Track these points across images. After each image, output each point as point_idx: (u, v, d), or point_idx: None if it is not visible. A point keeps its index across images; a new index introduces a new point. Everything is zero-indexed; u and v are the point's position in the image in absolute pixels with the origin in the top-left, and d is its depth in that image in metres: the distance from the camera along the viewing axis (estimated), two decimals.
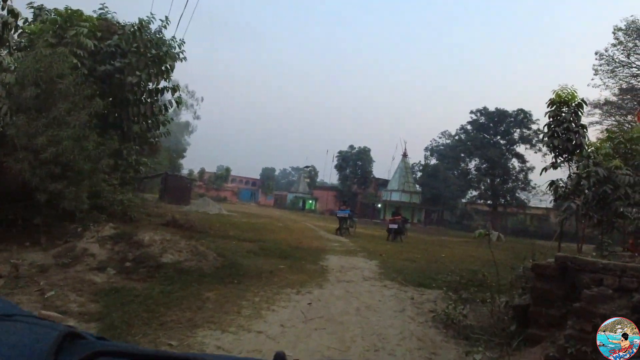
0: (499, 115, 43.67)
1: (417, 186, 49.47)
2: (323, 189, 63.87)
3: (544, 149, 44.11)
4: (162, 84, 17.17)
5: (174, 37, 19.11)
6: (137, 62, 14.38)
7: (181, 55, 19.61)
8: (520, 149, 43.94)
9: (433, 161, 58.96)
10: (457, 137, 45.80)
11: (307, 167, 60.81)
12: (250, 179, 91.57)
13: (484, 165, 44.43)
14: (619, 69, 34.81)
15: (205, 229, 16.40)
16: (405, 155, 48.01)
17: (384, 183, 55.49)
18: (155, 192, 40.93)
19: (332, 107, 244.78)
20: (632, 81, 35.29)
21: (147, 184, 44.26)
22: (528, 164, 43.60)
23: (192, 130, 64.56)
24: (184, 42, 19.93)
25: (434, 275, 10.16)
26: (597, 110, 46.72)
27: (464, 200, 60.15)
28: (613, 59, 34.89)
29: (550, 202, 57.24)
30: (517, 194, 44.00)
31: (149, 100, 16.11)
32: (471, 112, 45.09)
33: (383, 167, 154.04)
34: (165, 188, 38.19)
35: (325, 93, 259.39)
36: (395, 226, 21.62)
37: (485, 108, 44.49)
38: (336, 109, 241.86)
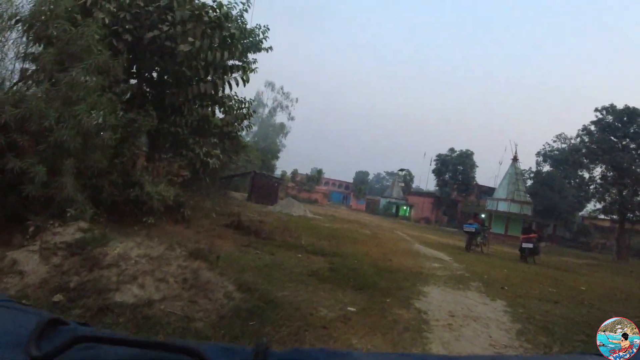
0: (630, 114, 35.87)
1: (528, 196, 42.97)
2: (418, 195, 58.83)
3: None
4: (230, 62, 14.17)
5: (258, 25, 16.58)
6: (194, 28, 11.46)
7: (265, 44, 16.91)
8: None
9: (546, 168, 51.75)
10: (578, 139, 38.56)
11: (401, 170, 56.12)
12: (343, 182, 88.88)
13: (611, 173, 36.89)
14: None
15: (272, 234, 13.32)
16: (515, 159, 41.52)
17: (487, 191, 49.30)
18: (246, 190, 39.36)
19: (433, 107, 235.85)
20: None
21: (238, 182, 42.97)
22: None
23: (287, 132, 63.03)
24: (268, 29, 17.24)
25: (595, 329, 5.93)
26: None
27: (581, 214, 52.07)
28: None
29: None
30: None
31: (210, 79, 13.18)
32: (596, 109, 37.60)
33: (487, 174, 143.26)
34: (253, 187, 36.25)
35: (426, 92, 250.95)
36: (531, 245, 18.45)
37: (612, 105, 36.90)
38: (437, 110, 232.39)
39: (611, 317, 4.56)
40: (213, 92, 13.22)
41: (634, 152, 35.88)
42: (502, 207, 39.66)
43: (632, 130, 36.21)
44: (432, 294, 7.86)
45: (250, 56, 16.52)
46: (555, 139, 55.14)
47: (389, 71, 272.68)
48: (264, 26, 16.83)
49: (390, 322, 5.41)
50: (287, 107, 62.35)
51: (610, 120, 36.84)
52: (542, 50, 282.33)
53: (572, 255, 28.93)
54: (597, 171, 37.98)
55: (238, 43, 13.69)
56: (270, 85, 62.05)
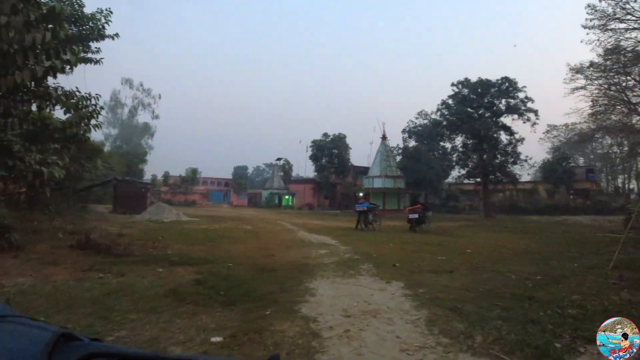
0: (483, 86, 38.88)
1: (399, 170, 44.64)
2: (299, 183, 58.40)
3: (533, 117, 40.40)
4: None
5: (99, 9, 14.11)
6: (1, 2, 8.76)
7: (107, 29, 14.49)
8: (507, 120, 39.28)
9: (412, 143, 54.43)
10: (439, 113, 40.78)
11: (278, 159, 54.87)
12: (223, 179, 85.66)
13: (471, 141, 39.69)
14: (612, 22, 30.12)
15: (130, 248, 11.12)
16: (384, 137, 42.84)
17: (363, 171, 50.47)
18: (109, 201, 35.18)
19: (304, 96, 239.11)
20: (626, 35, 30.69)
21: (101, 192, 38.29)
22: (517, 136, 38.93)
23: (153, 132, 58.25)
24: (111, 13, 14.74)
25: (508, 299, 5.78)
26: (579, 75, 43.00)
27: (447, 181, 55.84)
28: (604, 12, 30.24)
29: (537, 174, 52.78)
30: (507, 169, 39.41)
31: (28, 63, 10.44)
32: (452, 84, 40.11)
33: (360, 154, 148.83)
34: (117, 196, 32.35)
35: (296, 82, 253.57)
36: (416, 216, 19.44)
37: (467, 79, 39.65)
38: (308, 98, 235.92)
39: (511, 277, 7.56)
40: (33, 83, 10.50)
41: (489, 119, 38.72)
42: (378, 183, 40.65)
43: (486, 101, 39.10)
44: (322, 289, 6.55)
45: (94, 45, 14.33)
46: (417, 115, 58.27)
47: (257, 61, 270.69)
48: (107, 10, 14.40)
49: (269, 348, 3.90)
50: (149, 105, 57.56)
51: (466, 93, 39.38)
52: (398, 35, 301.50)
53: (446, 219, 30.28)
54: (459, 140, 40.50)
55: (62, 21, 11.09)
56: (128, 82, 56.72)
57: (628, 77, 40.02)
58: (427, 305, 5.62)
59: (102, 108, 12.43)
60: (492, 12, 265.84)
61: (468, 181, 43.50)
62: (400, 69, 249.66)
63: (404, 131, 58.26)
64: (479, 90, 38.91)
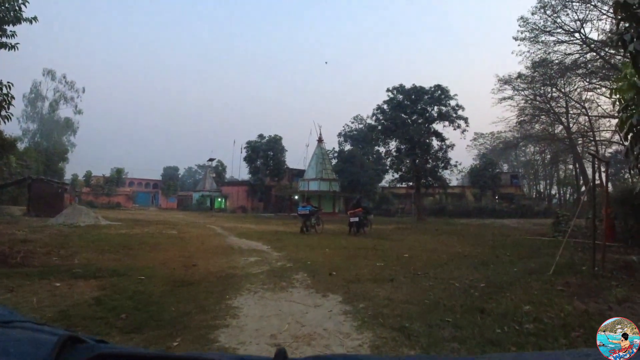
0: (416, 93, 39.48)
1: (335, 174, 44.36)
2: (233, 185, 56.54)
3: (463, 124, 41.57)
4: None
5: None
6: None
7: (25, 11, 12.71)
8: (439, 126, 40.17)
9: (347, 147, 54.49)
10: (374, 117, 40.85)
11: (210, 160, 52.38)
12: (152, 180, 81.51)
13: (404, 146, 40.16)
14: (543, 35, 31.53)
15: (30, 257, 9.60)
16: (320, 140, 42.33)
17: (299, 173, 49.76)
18: (24, 202, 31.90)
19: (240, 97, 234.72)
20: (555, 48, 32.28)
21: (15, 193, 34.73)
22: (448, 142, 39.91)
23: (76, 128, 54.14)
24: None
25: (458, 313, 5.20)
26: (507, 86, 44.87)
27: (381, 185, 56.47)
28: (536, 25, 31.59)
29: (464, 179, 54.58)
30: (438, 173, 40.30)
31: None
32: (387, 90, 40.40)
33: (296, 157, 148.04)
34: (31, 197, 29.36)
35: (232, 83, 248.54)
36: (357, 219, 19.25)
37: (401, 85, 40.06)
38: (244, 99, 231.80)
39: (454, 285, 7.26)
40: None
41: (422, 125, 39.35)
42: (313, 186, 40.08)
43: (419, 107, 39.70)
44: (247, 308, 5.55)
45: (9, 29, 12.55)
46: (352, 120, 58.59)
47: (191, 60, 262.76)
48: None
49: None
50: (72, 99, 53.48)
51: (401, 99, 39.77)
52: (339, 40, 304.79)
53: (379, 222, 30.06)
54: (393, 145, 40.82)
55: None
56: (50, 73, 52.36)
57: (554, 89, 42.48)
58: (370, 324, 4.81)
59: (12, 97, 10.79)
60: (429, 19, 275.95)
61: (401, 185, 44.06)
62: (338, 74, 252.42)
63: (339, 135, 58.38)
64: (413, 96, 39.47)
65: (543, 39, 31.75)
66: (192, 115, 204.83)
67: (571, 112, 42.79)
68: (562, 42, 31.34)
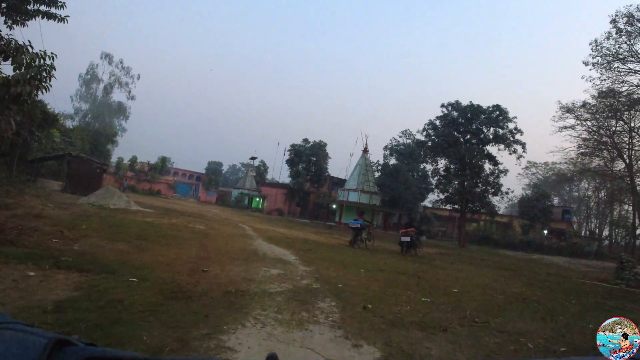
0: (473, 111, 37.07)
1: (376, 187, 42.50)
2: (272, 186, 55.53)
3: (520, 150, 38.81)
4: None
5: None
6: None
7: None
8: (493, 149, 37.54)
9: (392, 161, 52.50)
10: (424, 132, 38.69)
11: (252, 158, 51.27)
12: (195, 173, 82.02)
13: (454, 166, 37.79)
14: (615, 62, 28.58)
15: (25, 235, 8.42)
16: (366, 150, 40.56)
17: (339, 182, 48.13)
18: (63, 177, 31.87)
19: (290, 99, 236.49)
20: (625, 78, 29.20)
21: (56, 167, 34.86)
22: (500, 167, 37.19)
23: (128, 114, 54.83)
24: None
25: None
26: (569, 115, 41.67)
27: (423, 204, 54.04)
28: (609, 51, 28.69)
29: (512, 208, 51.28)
30: (487, 199, 37.61)
31: None
32: (442, 105, 38.22)
33: (339, 166, 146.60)
34: (69, 174, 29.15)
35: (283, 85, 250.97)
36: (408, 239, 18.42)
37: (457, 102, 37.77)
38: (294, 102, 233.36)
39: (527, 345, 5.47)
40: None
41: (475, 146, 36.92)
42: (353, 197, 38.29)
43: (474, 127, 37.32)
44: (245, 351, 3.95)
45: None
46: (401, 134, 56.52)
47: (245, 59, 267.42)
48: None
49: None
50: (127, 84, 54.20)
51: (455, 116, 37.54)
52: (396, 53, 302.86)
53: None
54: (442, 164, 38.52)
55: None
56: (108, 57, 53.30)
57: (618, 122, 39.05)
58: None
59: (53, 68, 9.85)
60: (489, 38, 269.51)
61: (445, 207, 41.59)
62: (391, 87, 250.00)
63: (385, 148, 56.46)
64: (469, 115, 37.11)
65: (615, 66, 28.71)
66: (243, 114, 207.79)
67: (635, 148, 39.17)
68: (634, 72, 28.22)
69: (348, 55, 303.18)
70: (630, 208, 52.43)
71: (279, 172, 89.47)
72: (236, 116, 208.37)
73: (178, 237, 12.58)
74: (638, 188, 40.42)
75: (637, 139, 38.34)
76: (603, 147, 42.06)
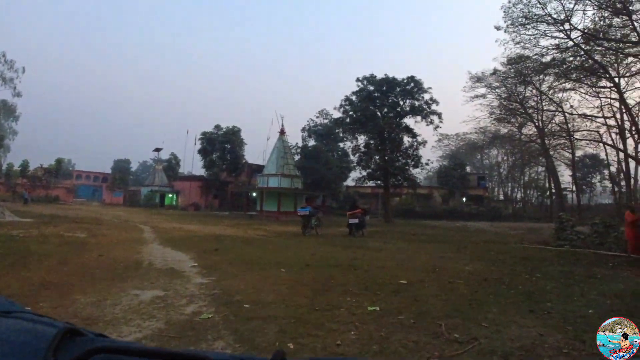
0: (388, 84, 35.50)
1: (297, 170, 40.10)
2: (185, 180, 50.92)
3: (436, 120, 38.09)
4: None
5: None
6: None
7: None
8: (410, 121, 36.38)
9: (311, 142, 50.28)
10: (341, 109, 36.65)
11: (157, 150, 45.70)
12: (101, 173, 74.39)
13: (373, 142, 36.23)
14: (526, 26, 27.90)
15: None
16: (282, 132, 37.65)
17: (258, 169, 44.98)
18: None
19: (200, 87, 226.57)
20: (540, 41, 28.74)
21: None
22: (419, 138, 36.18)
23: (18, 115, 47.52)
24: None
25: None
26: (480, 84, 41.74)
27: (345, 184, 52.61)
28: (520, 14, 27.94)
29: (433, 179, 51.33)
30: (408, 172, 36.58)
31: None
32: (357, 79, 36.27)
33: (258, 152, 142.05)
34: None
35: (191, 72, 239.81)
36: (356, 221, 18.54)
37: (372, 75, 36.02)
38: (204, 90, 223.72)
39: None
40: None
41: (393, 120, 35.56)
42: (273, 182, 35.48)
43: (390, 100, 35.90)
44: None
45: None
46: (318, 114, 54.34)
47: (151, 48, 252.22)
48: None
49: None
50: (11, 80, 46.69)
51: (371, 90, 35.87)
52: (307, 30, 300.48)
53: (346, 223, 25.96)
54: (361, 140, 36.87)
55: None
56: None
57: (527, 87, 39.66)
58: None
59: None
60: (398, 13, 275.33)
61: (368, 184, 40.21)
62: (304, 68, 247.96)
63: (303, 129, 53.95)
64: (384, 88, 35.55)
65: (524, 30, 28.11)
66: (148, 106, 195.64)
67: (545, 111, 40.19)
68: (545, 35, 27.88)
69: (258, 38, 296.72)
70: (541, 169, 55.21)
71: (192, 164, 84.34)
72: (142, 109, 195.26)
73: (37, 253, 9.21)
74: (551, 152, 41.86)
75: (546, 103, 39.29)
76: (513, 113, 42.88)
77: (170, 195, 50.81)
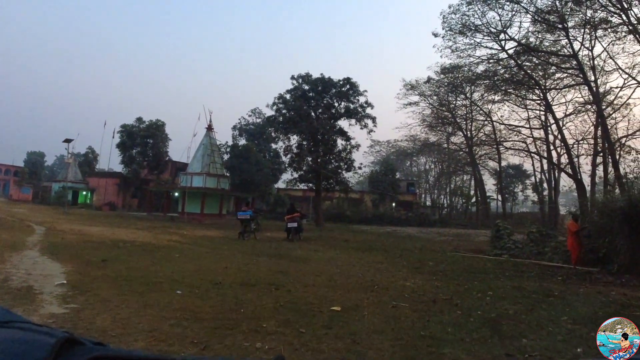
0: (324, 84, 34.03)
1: (225, 170, 37.60)
2: (101, 176, 46.25)
3: (370, 124, 37.19)
4: None
5: None
6: None
7: None
8: (344, 124, 35.18)
9: (242, 142, 47.85)
10: (274, 107, 34.64)
11: (67, 141, 40.53)
12: (13, 167, 66.50)
13: (306, 142, 34.62)
14: (461, 37, 27.51)
15: None
16: (210, 128, 34.88)
17: (183, 167, 41.78)
18: None
19: (123, 79, 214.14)
20: (471, 52, 28.48)
21: None
22: (353, 142, 35.08)
23: None
24: None
25: None
26: (413, 91, 41.60)
27: (276, 186, 50.65)
28: (456, 24, 27.44)
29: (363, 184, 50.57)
30: (341, 175, 35.40)
31: None
32: (292, 77, 34.44)
33: (184, 149, 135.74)
34: None
35: (117, 64, 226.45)
36: (295, 224, 18.25)
37: (308, 74, 34.38)
38: (127, 82, 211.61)
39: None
40: None
41: (327, 121, 34.19)
42: (197, 182, 32.70)
43: (325, 101, 34.53)
44: None
45: None
46: (250, 113, 52.02)
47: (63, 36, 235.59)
48: None
49: None
50: None
51: (306, 89, 34.28)
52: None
53: (275, 227, 24.09)
54: (294, 140, 35.14)
55: None
56: None
57: (460, 96, 40.00)
58: None
59: None
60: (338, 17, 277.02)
61: (299, 187, 38.53)
62: (236, 64, 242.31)
63: (234, 128, 51.41)
64: (320, 88, 34.06)
65: (460, 39, 27.74)
66: (65, 96, 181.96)
67: (475, 121, 40.82)
68: (481, 45, 27.71)
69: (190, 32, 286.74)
70: (467, 177, 56.54)
71: (108, 160, 78.18)
72: (61, 99, 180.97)
73: None
74: (477, 161, 42.59)
75: (476, 113, 39.81)
76: (444, 122, 43.24)
77: (84, 193, 45.99)
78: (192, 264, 9.15)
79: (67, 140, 38.84)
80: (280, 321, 4.81)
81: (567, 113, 28.98)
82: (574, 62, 23.38)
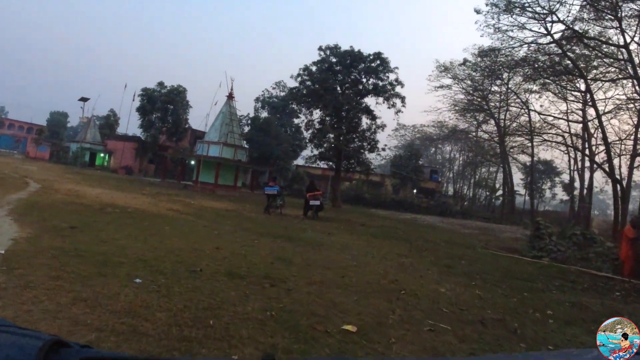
0: (353, 57, 31.67)
1: (244, 142, 36.04)
2: (119, 139, 45.21)
3: (399, 103, 34.92)
4: None
5: None
6: None
7: None
8: (371, 101, 32.92)
9: (264, 114, 46.18)
10: (298, 78, 32.57)
11: (83, 99, 39.36)
12: (35, 125, 66.37)
13: (329, 118, 32.60)
14: (505, 15, 24.88)
15: None
16: (231, 97, 33.24)
17: (202, 136, 40.49)
18: None
19: (148, 43, 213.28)
20: (514, 34, 25.84)
21: None
22: (379, 121, 32.87)
23: None
24: None
25: None
26: (446, 74, 39.04)
27: (295, 162, 49.07)
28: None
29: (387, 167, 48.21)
30: (363, 156, 33.35)
31: None
32: (319, 48, 32.17)
33: (204, 118, 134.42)
34: None
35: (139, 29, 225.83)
36: (318, 203, 17.78)
37: (336, 46, 32.08)
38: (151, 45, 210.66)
39: None
40: None
41: (353, 98, 32.04)
42: (214, 152, 31.21)
43: (352, 76, 32.32)
44: None
45: None
46: (274, 86, 50.14)
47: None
48: None
49: None
50: None
51: (334, 62, 32.10)
52: None
53: (291, 205, 22.48)
54: (317, 115, 33.15)
55: None
56: None
57: (495, 82, 37.37)
58: None
59: None
60: None
61: (319, 165, 36.73)
62: (264, 37, 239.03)
63: (257, 100, 49.59)
64: (348, 61, 31.82)
65: (512, 15, 25.14)
66: (94, 57, 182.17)
67: (509, 110, 38.22)
68: (525, 27, 25.05)
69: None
70: (492, 169, 53.86)
71: (127, 123, 77.42)
72: (80, 63, 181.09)
73: None
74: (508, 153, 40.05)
75: (511, 101, 37.23)
76: (476, 108, 40.65)
77: (102, 155, 45.13)
78: (179, 240, 7.54)
79: (83, 99, 37.80)
80: (263, 349, 3.13)
81: (609, 110, 26.62)
82: (625, 55, 20.93)
